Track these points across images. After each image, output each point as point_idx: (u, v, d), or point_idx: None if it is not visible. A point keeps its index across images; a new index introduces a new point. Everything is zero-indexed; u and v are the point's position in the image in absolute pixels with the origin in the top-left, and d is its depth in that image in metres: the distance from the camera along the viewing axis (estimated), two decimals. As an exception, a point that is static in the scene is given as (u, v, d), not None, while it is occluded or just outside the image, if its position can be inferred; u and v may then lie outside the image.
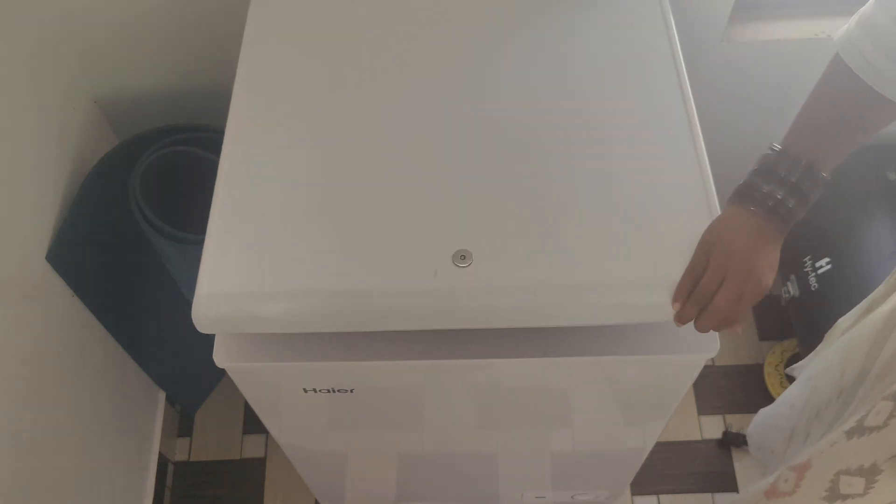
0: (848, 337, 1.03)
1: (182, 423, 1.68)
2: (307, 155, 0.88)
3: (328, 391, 0.93)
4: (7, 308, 1.05)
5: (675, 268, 0.78)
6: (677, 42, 0.96)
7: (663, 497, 1.59)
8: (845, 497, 0.93)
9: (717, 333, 0.82)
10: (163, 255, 1.22)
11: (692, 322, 0.77)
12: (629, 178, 0.84)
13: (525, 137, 0.88)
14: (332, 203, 0.84)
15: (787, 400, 1.21)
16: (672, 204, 0.82)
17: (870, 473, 0.88)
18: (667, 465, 1.60)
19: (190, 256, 1.17)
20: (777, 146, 0.76)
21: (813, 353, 1.14)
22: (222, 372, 0.88)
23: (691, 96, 0.91)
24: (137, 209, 1.16)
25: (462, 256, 0.79)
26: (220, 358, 0.85)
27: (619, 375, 0.93)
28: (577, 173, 0.85)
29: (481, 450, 1.18)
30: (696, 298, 0.75)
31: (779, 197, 0.74)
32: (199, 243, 1.16)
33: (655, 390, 0.97)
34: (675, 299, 0.77)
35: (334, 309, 0.80)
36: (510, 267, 0.79)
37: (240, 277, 0.81)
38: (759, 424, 1.35)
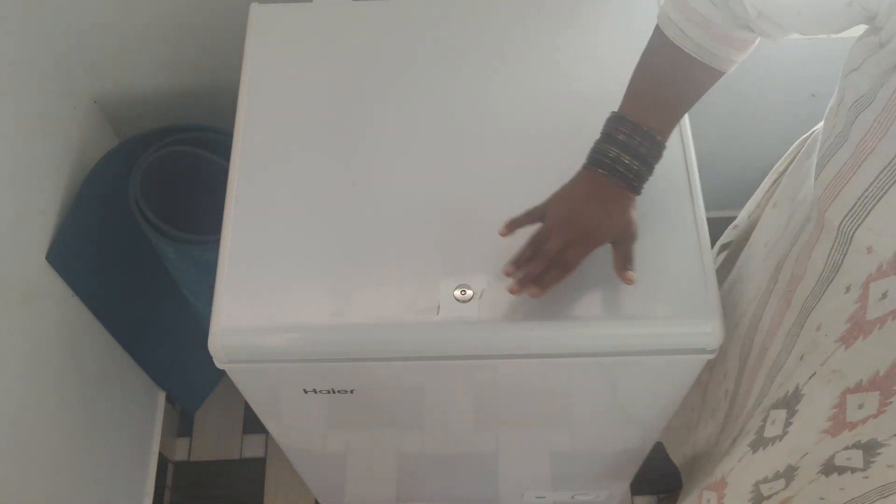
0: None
1: (182, 422, 1.68)
2: (314, 189, 0.91)
3: (328, 391, 0.93)
4: (7, 308, 1.05)
5: (669, 301, 0.83)
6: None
7: (663, 497, 1.59)
8: (770, 496, 0.96)
9: (718, 333, 0.83)
10: (163, 255, 1.22)
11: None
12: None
13: (521, 169, 0.91)
14: (341, 237, 0.88)
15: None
16: (665, 243, 0.86)
17: (787, 473, 0.90)
18: (667, 465, 1.60)
19: (190, 257, 1.17)
20: (617, 112, 0.81)
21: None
22: (222, 372, 0.88)
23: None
24: (137, 209, 1.16)
25: (463, 291, 0.83)
26: (219, 358, 0.85)
27: (619, 375, 0.93)
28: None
29: (481, 450, 1.18)
30: (530, 243, 0.81)
31: (626, 161, 0.79)
32: (199, 244, 1.17)
33: (655, 390, 0.97)
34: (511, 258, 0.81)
35: (345, 340, 0.84)
36: (510, 301, 0.82)
37: (254, 311, 0.84)
38: None
